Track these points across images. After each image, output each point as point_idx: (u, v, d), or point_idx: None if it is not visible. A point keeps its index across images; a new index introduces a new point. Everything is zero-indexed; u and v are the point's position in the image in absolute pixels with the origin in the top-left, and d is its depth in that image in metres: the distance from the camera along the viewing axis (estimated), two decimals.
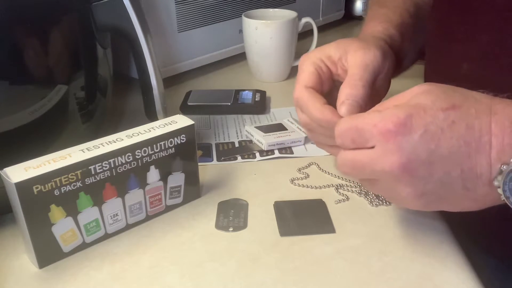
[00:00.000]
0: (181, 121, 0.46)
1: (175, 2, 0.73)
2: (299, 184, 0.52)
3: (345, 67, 0.46)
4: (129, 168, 0.43)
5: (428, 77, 0.58)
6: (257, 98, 0.70)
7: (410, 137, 0.34)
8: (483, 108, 0.34)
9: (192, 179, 0.48)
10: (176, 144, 0.45)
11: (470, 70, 0.48)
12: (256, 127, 0.62)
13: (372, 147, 0.36)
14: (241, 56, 0.84)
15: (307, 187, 0.52)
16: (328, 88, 0.47)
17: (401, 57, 0.52)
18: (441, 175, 0.35)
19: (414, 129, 0.34)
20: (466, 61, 0.49)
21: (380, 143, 0.35)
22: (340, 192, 0.51)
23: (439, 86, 0.37)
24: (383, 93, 0.49)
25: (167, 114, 0.53)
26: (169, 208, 0.48)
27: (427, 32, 0.57)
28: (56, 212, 0.40)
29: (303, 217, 0.47)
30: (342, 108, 0.42)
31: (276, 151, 0.59)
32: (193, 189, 0.49)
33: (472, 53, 0.48)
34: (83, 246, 0.43)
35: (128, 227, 0.45)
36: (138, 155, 0.43)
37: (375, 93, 0.46)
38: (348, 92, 0.43)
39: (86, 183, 0.40)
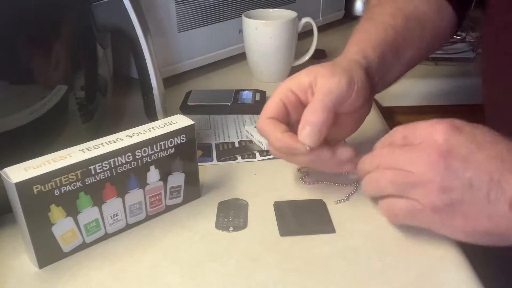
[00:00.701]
0: (181, 121, 0.46)
1: (175, 2, 0.73)
2: (299, 184, 0.52)
3: (314, 93, 0.47)
4: (129, 168, 0.43)
5: (489, 120, 0.59)
6: (257, 98, 0.70)
7: (458, 134, 0.39)
8: None
9: (192, 179, 0.48)
10: (176, 144, 0.45)
11: None
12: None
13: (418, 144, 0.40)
14: (241, 56, 0.84)
15: (307, 187, 0.52)
16: (297, 116, 0.47)
17: (381, 75, 0.52)
18: (472, 175, 0.37)
19: (462, 131, 0.39)
20: None
21: (428, 136, 0.39)
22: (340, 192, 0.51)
23: None
24: (365, 113, 0.50)
25: (167, 114, 0.53)
26: (169, 208, 0.48)
27: (482, 76, 0.57)
28: (56, 212, 0.40)
29: (303, 217, 0.47)
30: (302, 133, 0.44)
31: None
32: (193, 189, 0.49)
33: None
34: (83, 246, 0.43)
35: (128, 227, 0.45)
36: (138, 155, 0.43)
37: (348, 116, 0.48)
38: (308, 118, 0.45)
39: (86, 183, 0.40)
